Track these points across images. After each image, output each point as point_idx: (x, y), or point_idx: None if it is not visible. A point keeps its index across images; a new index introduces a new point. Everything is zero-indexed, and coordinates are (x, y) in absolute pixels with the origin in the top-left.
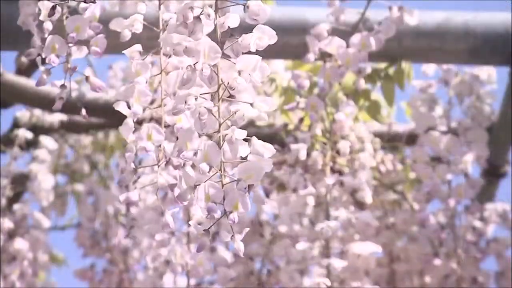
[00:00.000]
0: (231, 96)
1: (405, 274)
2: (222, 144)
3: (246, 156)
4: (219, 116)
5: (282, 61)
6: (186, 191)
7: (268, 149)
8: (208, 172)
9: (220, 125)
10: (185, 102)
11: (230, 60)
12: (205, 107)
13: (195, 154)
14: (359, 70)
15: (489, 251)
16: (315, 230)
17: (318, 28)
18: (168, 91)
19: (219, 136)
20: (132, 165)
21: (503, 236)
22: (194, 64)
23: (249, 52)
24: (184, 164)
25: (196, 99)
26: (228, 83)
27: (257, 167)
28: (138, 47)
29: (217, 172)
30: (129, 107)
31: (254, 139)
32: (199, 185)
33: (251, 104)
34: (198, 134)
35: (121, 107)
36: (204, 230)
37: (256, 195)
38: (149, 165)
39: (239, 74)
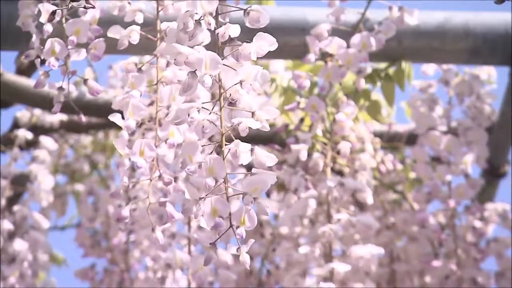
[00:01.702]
0: (233, 105)
1: (405, 274)
2: (225, 156)
3: (247, 166)
4: (221, 126)
5: (282, 61)
6: (191, 204)
7: (270, 158)
8: (214, 185)
9: (222, 135)
10: (188, 114)
11: (231, 68)
12: (208, 120)
13: (199, 167)
14: (359, 70)
15: (489, 251)
16: (317, 232)
17: (318, 28)
18: (163, 104)
19: (223, 150)
20: (126, 180)
21: (503, 236)
22: (194, 71)
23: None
24: (175, 179)
25: (199, 111)
26: (230, 94)
27: (262, 181)
28: (134, 59)
29: (220, 184)
30: (123, 118)
31: (256, 148)
32: (203, 198)
33: (253, 113)
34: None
35: (116, 119)
36: (210, 243)
37: (260, 207)
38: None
39: (241, 84)
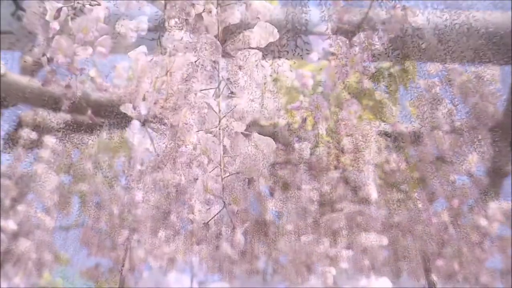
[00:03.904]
0: (232, 93)
1: (410, 273)
2: (222, 139)
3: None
4: (219, 111)
5: (285, 60)
6: (186, 184)
7: (268, 144)
8: (207, 166)
9: (220, 120)
10: (185, 97)
11: (230, 54)
12: (206, 102)
13: (194, 148)
14: (363, 70)
15: (493, 250)
16: (320, 224)
17: (322, 27)
18: (173, 90)
19: (219, 131)
20: (138, 167)
21: (507, 234)
22: (195, 62)
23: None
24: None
25: (196, 94)
26: (229, 78)
27: (257, 160)
28: (143, 48)
29: (217, 166)
30: (134, 108)
31: (254, 133)
32: (198, 178)
33: (252, 100)
34: (198, 129)
35: (126, 109)
36: (203, 223)
37: (255, 186)
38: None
39: (240, 69)
